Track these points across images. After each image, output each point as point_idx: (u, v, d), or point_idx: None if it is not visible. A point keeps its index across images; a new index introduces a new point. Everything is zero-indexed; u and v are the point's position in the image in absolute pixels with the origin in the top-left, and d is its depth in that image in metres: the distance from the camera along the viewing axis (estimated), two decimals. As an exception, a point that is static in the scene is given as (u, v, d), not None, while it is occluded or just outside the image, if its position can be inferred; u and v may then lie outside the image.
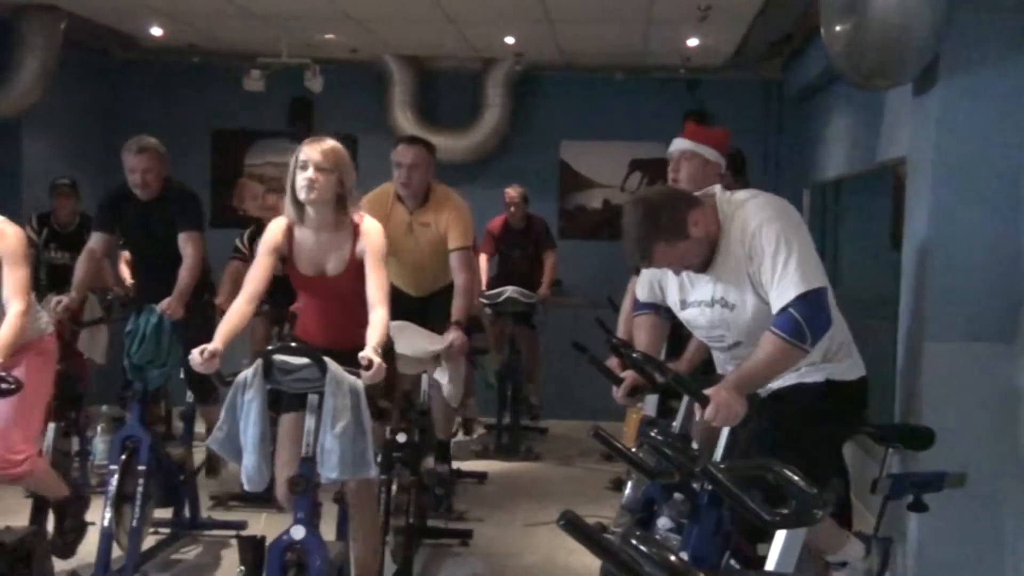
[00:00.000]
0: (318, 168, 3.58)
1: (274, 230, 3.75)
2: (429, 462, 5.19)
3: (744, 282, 3.05)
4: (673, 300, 3.34)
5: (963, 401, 3.75)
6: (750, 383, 3.01)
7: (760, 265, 2.99)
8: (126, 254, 6.42)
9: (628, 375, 3.52)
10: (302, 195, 3.60)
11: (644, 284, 3.51)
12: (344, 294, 3.68)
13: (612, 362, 3.90)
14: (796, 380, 3.15)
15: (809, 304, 2.91)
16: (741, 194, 3.16)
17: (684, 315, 3.32)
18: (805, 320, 2.90)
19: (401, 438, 4.67)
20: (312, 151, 3.60)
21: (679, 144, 3.94)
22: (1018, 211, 3.72)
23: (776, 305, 2.96)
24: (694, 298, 3.23)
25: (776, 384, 3.17)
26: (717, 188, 3.20)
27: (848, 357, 3.22)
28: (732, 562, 3.32)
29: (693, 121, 4.18)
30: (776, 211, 3.07)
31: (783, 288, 2.94)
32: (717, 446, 3.30)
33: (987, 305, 3.75)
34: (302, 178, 3.59)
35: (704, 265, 3.13)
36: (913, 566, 3.84)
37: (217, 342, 3.45)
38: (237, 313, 3.60)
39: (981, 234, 3.77)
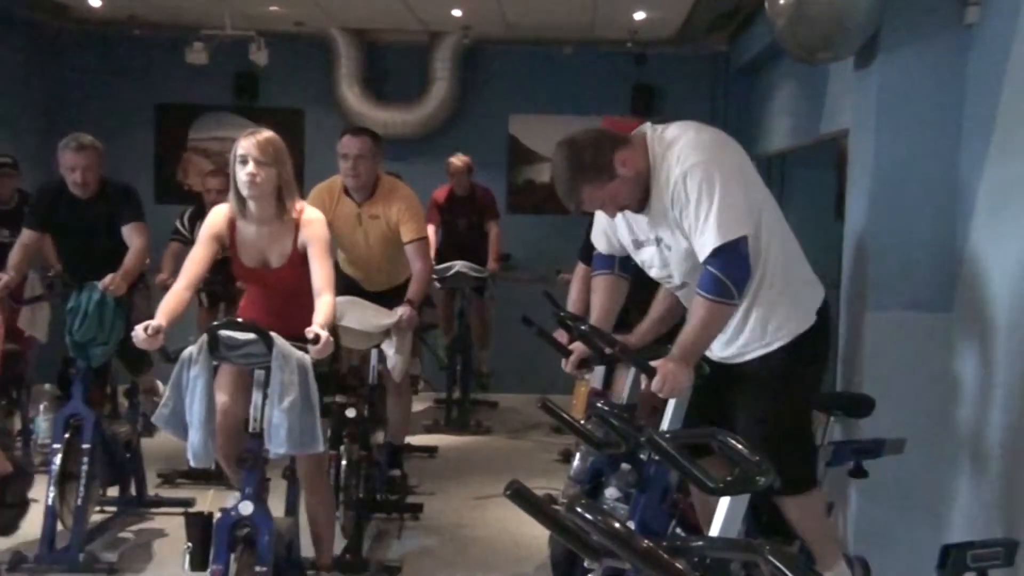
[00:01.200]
0: (257, 163, 3.56)
1: (216, 219, 3.73)
2: (379, 437, 5.18)
3: (672, 224, 3.03)
4: (626, 242, 3.30)
5: (902, 369, 3.83)
6: (693, 349, 3.00)
7: (683, 213, 2.96)
8: None
9: (576, 347, 3.54)
10: (244, 191, 3.60)
11: (598, 234, 3.46)
12: (287, 286, 3.68)
13: (560, 335, 3.93)
14: (763, 351, 3.13)
15: (726, 258, 2.89)
16: (672, 130, 3.08)
17: (638, 257, 3.29)
18: (724, 274, 2.89)
19: (350, 413, 4.66)
20: (250, 145, 3.57)
21: None
22: (956, 183, 3.79)
23: (700, 257, 2.95)
24: (642, 237, 3.20)
25: (747, 356, 3.16)
26: (647, 125, 3.14)
27: (800, 293, 3.15)
28: (678, 530, 3.37)
29: (610, 116, 4.23)
30: (703, 154, 2.97)
31: (702, 242, 2.92)
32: (663, 416, 3.34)
33: (926, 275, 3.82)
34: (243, 173, 3.58)
35: (641, 205, 3.10)
36: (852, 530, 3.93)
37: (160, 319, 3.42)
38: (176, 298, 3.58)
39: (921, 206, 3.84)
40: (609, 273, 3.48)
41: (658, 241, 3.14)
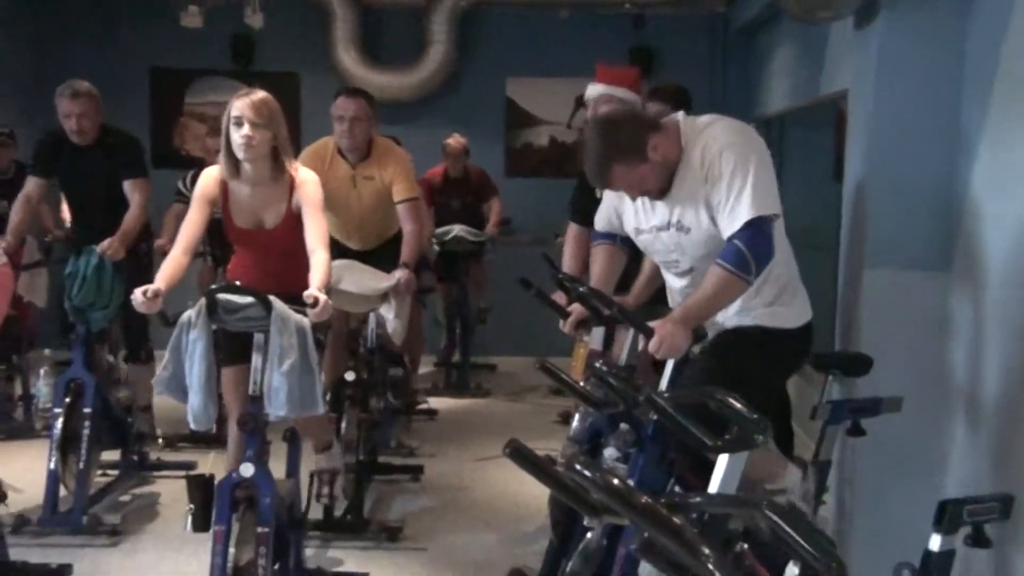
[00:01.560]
0: (253, 124, 3.54)
1: (207, 181, 3.71)
2: (378, 400, 5.21)
3: (700, 204, 3.05)
4: (630, 227, 3.35)
5: (900, 328, 3.84)
6: (696, 315, 3.03)
7: (715, 188, 2.99)
8: None
9: (574, 308, 3.55)
10: (240, 153, 3.58)
11: (602, 215, 3.51)
12: (282, 247, 3.68)
13: (559, 297, 3.93)
14: (752, 321, 3.17)
15: (754, 233, 2.92)
16: (705, 118, 3.15)
17: (640, 241, 3.33)
18: (749, 249, 2.91)
19: (350, 376, 4.68)
20: (245, 106, 3.55)
21: (594, 90, 4.01)
22: (955, 142, 3.78)
23: (725, 233, 2.97)
24: (650, 224, 3.23)
25: (729, 323, 3.20)
26: (680, 114, 3.18)
27: (795, 299, 3.25)
28: (677, 489, 3.39)
29: (602, 64, 4.21)
30: (738, 136, 3.05)
31: (733, 215, 2.94)
32: (662, 378, 3.36)
33: (924, 234, 3.82)
34: (239, 135, 3.55)
35: (662, 193, 3.13)
36: (850, 489, 3.95)
37: (159, 283, 3.42)
38: (174, 263, 3.58)
39: (919, 165, 3.83)
40: (610, 243, 3.53)
41: (676, 225, 3.16)
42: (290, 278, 3.55)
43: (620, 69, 4.39)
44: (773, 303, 3.19)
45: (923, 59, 3.81)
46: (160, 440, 5.52)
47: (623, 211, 3.37)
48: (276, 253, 3.72)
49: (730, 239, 2.95)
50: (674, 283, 3.38)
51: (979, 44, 3.68)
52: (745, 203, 2.93)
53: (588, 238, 4.21)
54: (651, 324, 3.02)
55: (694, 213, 3.09)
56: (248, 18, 7.61)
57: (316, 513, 4.33)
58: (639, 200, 3.23)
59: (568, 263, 4.23)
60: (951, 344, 3.79)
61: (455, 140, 7.45)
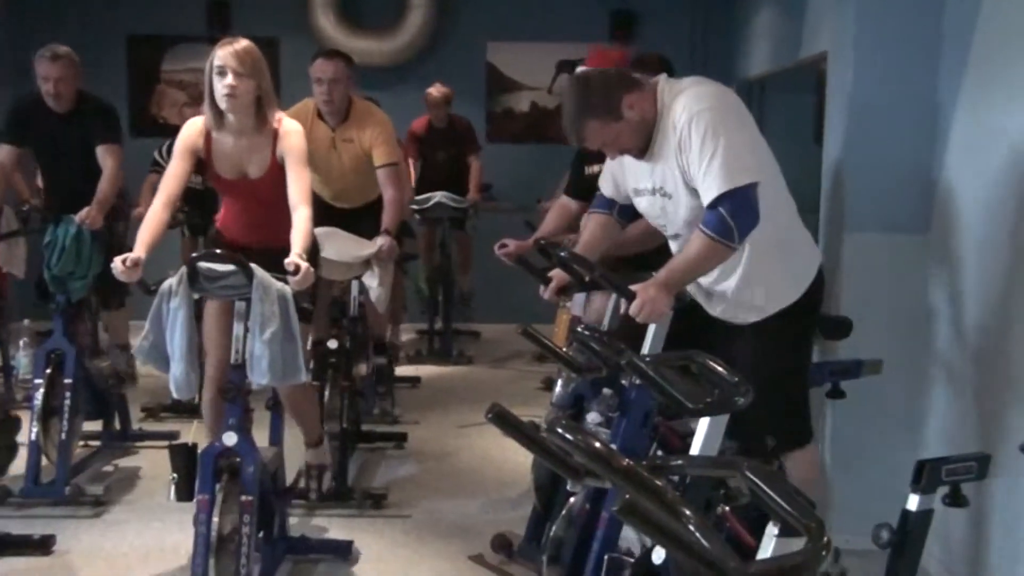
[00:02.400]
0: (236, 74, 3.49)
1: (190, 132, 3.66)
2: (361, 368, 5.21)
3: (676, 171, 3.03)
4: (630, 188, 3.31)
5: (880, 291, 3.86)
6: (678, 280, 3.02)
7: (688, 157, 2.97)
8: None
9: (555, 274, 3.55)
10: (223, 104, 3.52)
11: (607, 177, 3.48)
12: (266, 197, 3.64)
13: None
14: (757, 317, 3.16)
15: (735, 201, 2.89)
16: (684, 82, 3.11)
17: (638, 203, 3.31)
18: (731, 217, 2.89)
19: (332, 344, 4.68)
20: (228, 55, 3.50)
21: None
22: (934, 105, 3.79)
23: (705, 200, 2.95)
24: (643, 185, 3.21)
25: (740, 319, 3.20)
26: (663, 76, 3.16)
27: (803, 257, 3.22)
28: (659, 453, 3.42)
29: (594, 47, 4.18)
30: (713, 102, 3.00)
31: (708, 184, 2.92)
32: (644, 341, 3.37)
33: (903, 197, 3.83)
34: (222, 85, 3.50)
35: (642, 152, 3.11)
36: (830, 449, 3.99)
37: (139, 250, 3.39)
38: (155, 220, 3.54)
39: (898, 128, 3.83)
40: (606, 214, 3.51)
41: (660, 191, 3.14)
42: (274, 228, 3.54)
43: (612, 52, 4.37)
44: (782, 287, 3.15)
45: (901, 21, 3.81)
46: (137, 380, 5.47)
47: (623, 174, 3.34)
48: (259, 202, 3.69)
49: (712, 206, 2.93)
50: (672, 247, 3.36)
51: (956, 5, 3.68)
52: (720, 172, 2.89)
53: (573, 211, 4.21)
54: (632, 287, 3.01)
55: (673, 180, 3.07)
56: (224, -18, 7.52)
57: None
58: (633, 161, 3.20)
59: (546, 228, 4.21)
60: (930, 306, 3.81)
61: (436, 89, 7.37)
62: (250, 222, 3.71)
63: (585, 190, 4.02)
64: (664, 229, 3.27)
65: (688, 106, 2.98)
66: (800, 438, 3.28)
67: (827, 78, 4.27)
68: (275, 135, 3.62)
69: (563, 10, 8.30)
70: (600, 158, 3.57)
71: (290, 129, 3.64)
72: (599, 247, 3.55)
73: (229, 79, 3.49)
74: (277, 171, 3.60)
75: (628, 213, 3.49)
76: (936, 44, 3.77)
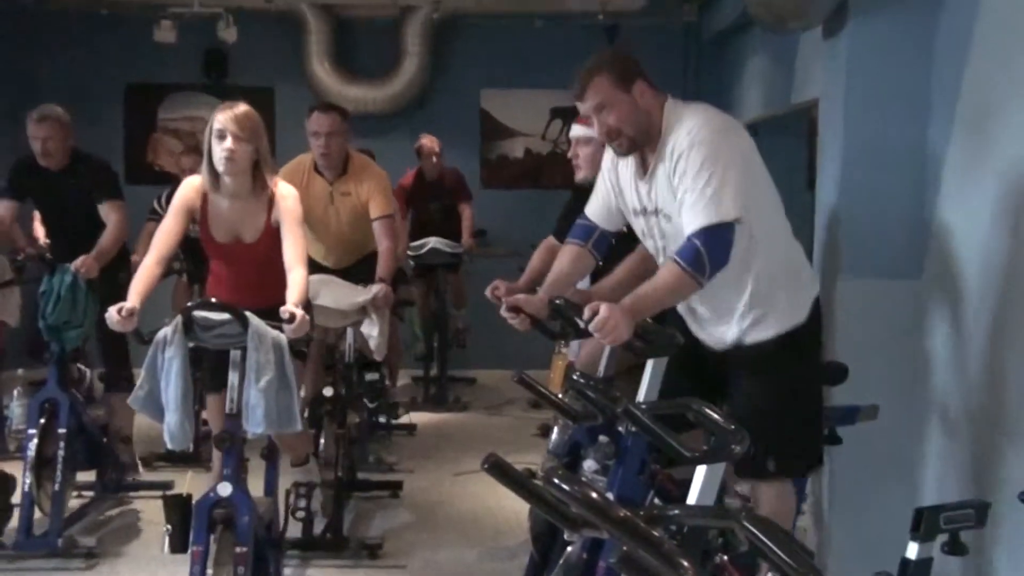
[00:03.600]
0: (236, 138, 3.53)
1: (187, 191, 3.70)
2: (356, 416, 5.18)
3: (671, 194, 3.02)
4: (628, 208, 3.26)
5: (875, 336, 3.86)
6: (643, 307, 2.94)
7: (681, 183, 2.95)
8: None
9: (521, 300, 3.40)
10: (221, 167, 3.57)
11: (597, 198, 3.39)
12: (260, 261, 3.67)
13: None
14: (757, 338, 3.14)
15: (712, 237, 2.87)
16: (691, 107, 3.12)
17: (634, 224, 3.28)
18: (706, 252, 2.86)
19: (328, 392, 4.67)
20: (228, 119, 3.54)
21: (575, 131, 4.08)
22: (925, 151, 3.82)
23: (686, 230, 2.93)
24: (642, 205, 3.19)
25: (748, 339, 3.16)
26: (670, 96, 3.15)
27: (802, 285, 3.20)
28: (656, 501, 3.40)
29: None
30: (713, 133, 2.98)
31: (693, 215, 2.90)
32: (640, 388, 3.35)
33: (896, 242, 3.85)
34: (221, 148, 3.55)
35: (630, 150, 3.10)
36: (827, 496, 3.97)
37: (133, 300, 3.40)
38: (148, 274, 3.57)
39: (891, 173, 3.86)
40: (581, 245, 3.43)
41: (659, 212, 3.12)
42: (268, 292, 3.54)
43: None
44: (781, 313, 3.14)
45: (892, 67, 3.85)
46: (141, 470, 5.44)
47: (623, 189, 3.26)
48: (254, 267, 3.71)
49: (690, 237, 2.91)
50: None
51: (946, 52, 3.72)
52: (707, 205, 2.88)
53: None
54: (599, 304, 2.94)
55: (669, 203, 3.05)
56: (221, 32, 7.60)
57: (295, 531, 4.31)
58: (634, 180, 3.18)
59: (532, 268, 4.17)
60: (926, 351, 3.81)
61: (429, 140, 7.42)
62: (241, 285, 3.72)
63: None
64: (658, 254, 3.23)
65: (691, 132, 2.98)
66: (807, 463, 3.25)
67: (819, 124, 4.30)
68: (271, 199, 3.65)
69: (556, 57, 8.37)
70: None
71: (286, 194, 3.68)
72: (570, 283, 3.46)
73: (228, 143, 3.53)
74: (272, 236, 3.64)
75: (603, 246, 3.41)
76: (926, 91, 3.81)
